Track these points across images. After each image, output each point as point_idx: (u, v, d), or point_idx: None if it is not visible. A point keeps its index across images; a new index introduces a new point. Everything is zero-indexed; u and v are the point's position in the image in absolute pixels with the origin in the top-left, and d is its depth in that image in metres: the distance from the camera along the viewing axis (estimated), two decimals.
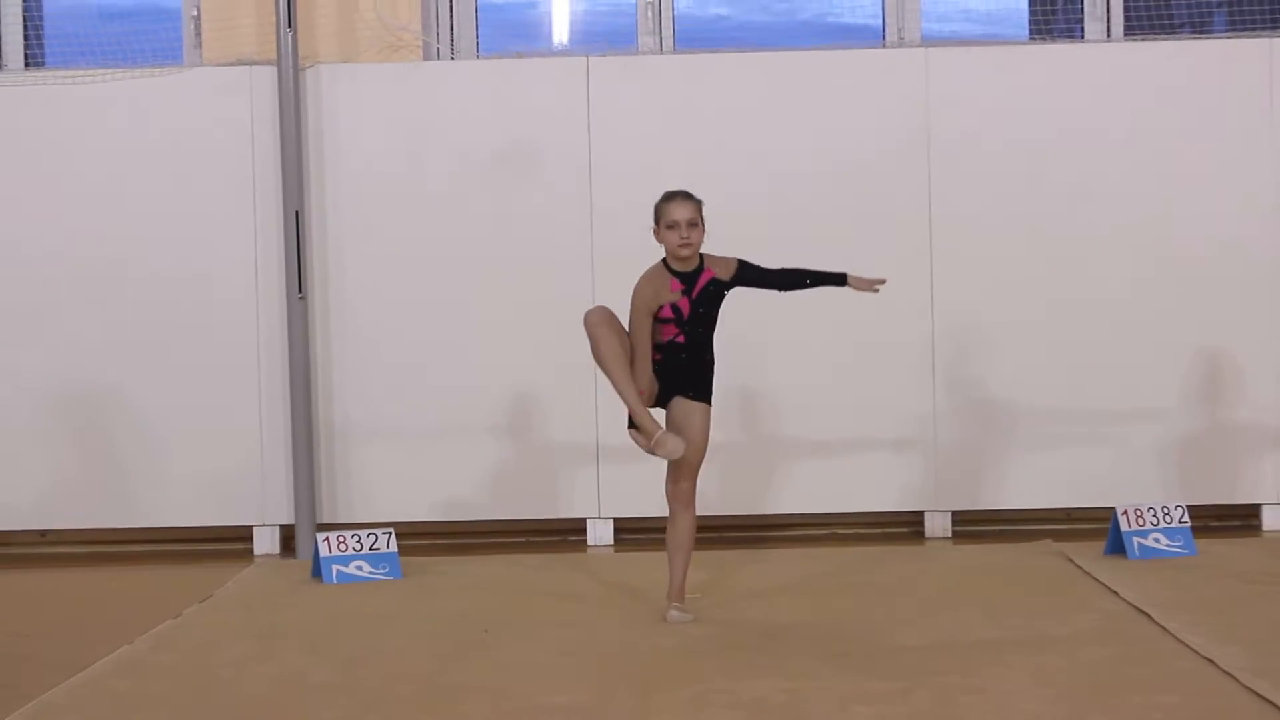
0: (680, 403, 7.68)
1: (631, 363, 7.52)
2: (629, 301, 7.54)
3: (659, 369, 7.62)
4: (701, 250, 7.63)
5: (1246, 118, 10.21)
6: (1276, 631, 7.13)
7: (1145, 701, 5.99)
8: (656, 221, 7.63)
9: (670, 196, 7.66)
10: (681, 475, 7.69)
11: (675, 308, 7.57)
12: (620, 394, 7.49)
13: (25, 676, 6.86)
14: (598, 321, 7.45)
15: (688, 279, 7.59)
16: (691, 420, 7.64)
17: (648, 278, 7.62)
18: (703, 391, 7.71)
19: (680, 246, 7.53)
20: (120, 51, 10.59)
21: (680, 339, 7.61)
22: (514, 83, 10.38)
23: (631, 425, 7.56)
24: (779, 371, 10.22)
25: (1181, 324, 10.20)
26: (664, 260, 7.63)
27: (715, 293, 7.66)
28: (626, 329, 7.56)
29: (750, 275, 7.73)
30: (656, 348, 7.61)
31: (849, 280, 7.85)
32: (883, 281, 7.87)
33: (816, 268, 7.87)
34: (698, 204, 7.61)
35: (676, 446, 7.42)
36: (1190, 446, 10.26)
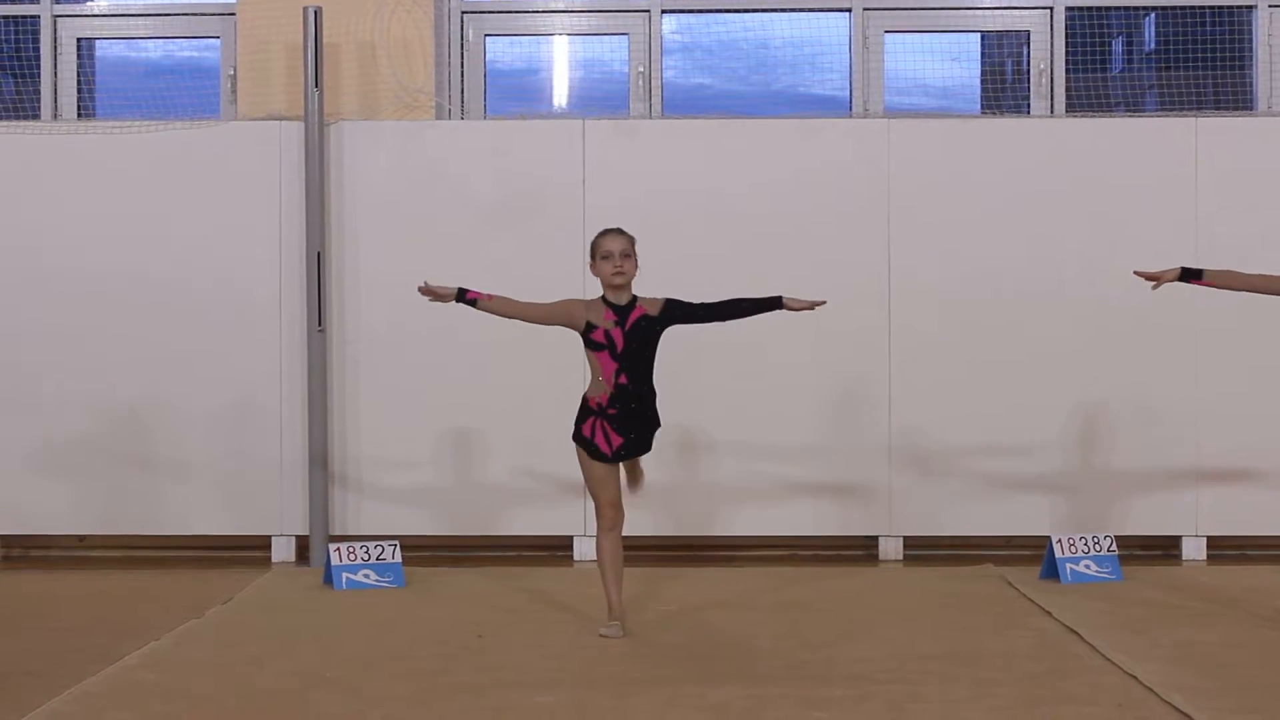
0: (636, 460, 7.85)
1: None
2: None
3: (617, 423, 7.53)
4: (635, 292, 7.56)
5: (1173, 189, 10.24)
6: (1192, 650, 7.14)
7: (1075, 713, 6.00)
8: (592, 257, 7.58)
9: (605, 232, 7.60)
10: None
11: (608, 335, 7.45)
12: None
13: (63, 667, 6.84)
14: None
15: (620, 311, 7.49)
16: (638, 465, 7.89)
17: (584, 300, 7.64)
18: (651, 439, 7.76)
19: (614, 275, 7.45)
20: (164, 105, 10.63)
21: (624, 380, 7.48)
22: (517, 141, 10.40)
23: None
24: (749, 408, 10.21)
25: (1114, 371, 10.22)
26: (601, 295, 7.58)
27: (648, 329, 7.51)
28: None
29: (679, 312, 7.58)
30: (611, 399, 7.50)
31: (785, 302, 7.65)
32: (821, 303, 7.72)
33: (751, 295, 7.76)
34: (630, 239, 7.55)
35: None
36: (1119, 483, 10.27)
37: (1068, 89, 10.92)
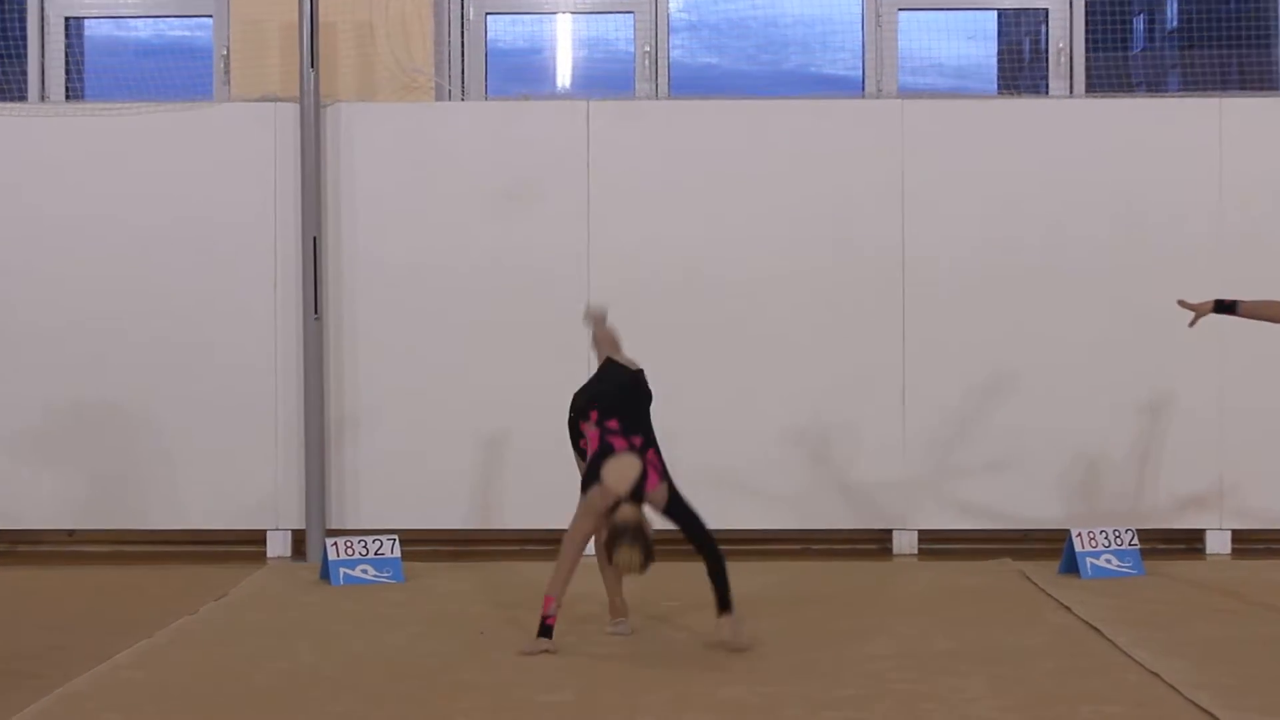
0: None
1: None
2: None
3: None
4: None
5: (1197, 172, 10.24)
6: (1217, 647, 7.15)
7: (1094, 712, 6.02)
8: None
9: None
10: None
11: None
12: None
13: (52, 666, 6.86)
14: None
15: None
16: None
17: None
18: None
19: None
20: (155, 86, 10.63)
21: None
22: (519, 123, 10.40)
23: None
24: (760, 398, 10.23)
25: (1134, 361, 10.22)
26: None
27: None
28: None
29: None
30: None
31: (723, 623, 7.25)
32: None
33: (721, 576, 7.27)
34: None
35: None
36: (1140, 474, 10.27)
37: (1087, 68, 10.90)
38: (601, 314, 8.18)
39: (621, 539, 7.05)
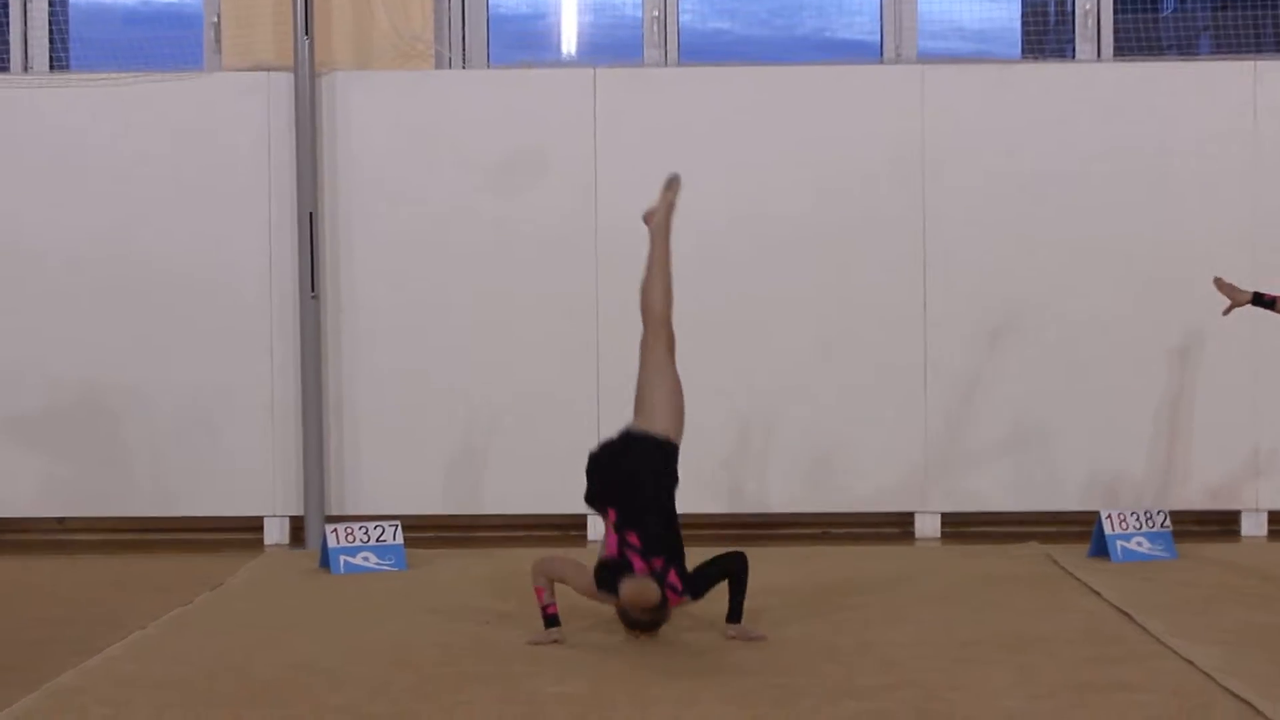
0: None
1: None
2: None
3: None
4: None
5: (1230, 138, 10.18)
6: (1252, 633, 7.11)
7: (1126, 700, 5.97)
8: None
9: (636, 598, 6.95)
10: None
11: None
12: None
13: (41, 659, 6.83)
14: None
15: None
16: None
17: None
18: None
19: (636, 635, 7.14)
20: (142, 56, 10.58)
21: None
22: (522, 92, 10.36)
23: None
24: (779, 377, 10.19)
25: (1165, 336, 10.19)
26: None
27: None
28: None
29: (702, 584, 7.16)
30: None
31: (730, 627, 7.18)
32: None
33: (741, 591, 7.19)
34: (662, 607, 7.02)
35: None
36: (1173, 455, 10.23)
37: (1115, 31, 10.82)
38: None
39: (634, 627, 7.12)
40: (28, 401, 10.31)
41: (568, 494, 10.00)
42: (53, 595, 8.60)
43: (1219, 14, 11.08)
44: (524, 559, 9.32)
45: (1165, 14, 11.44)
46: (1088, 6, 10.82)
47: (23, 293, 10.30)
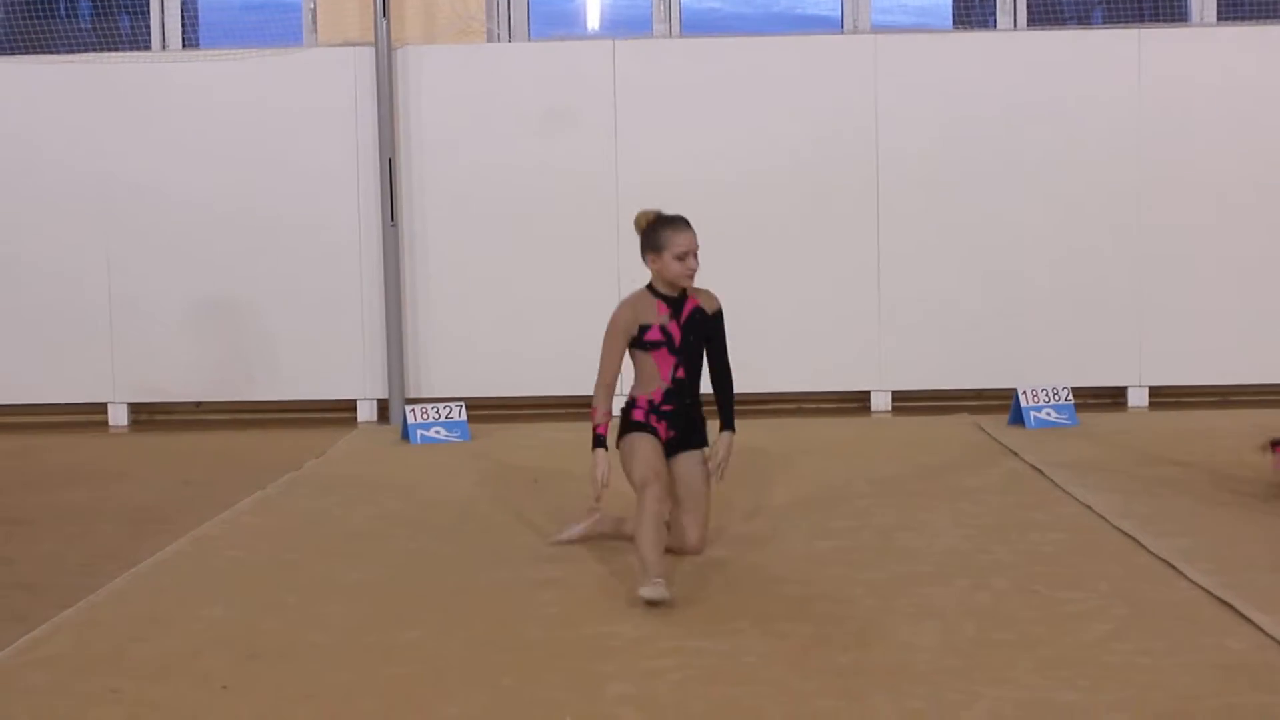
0: (689, 458, 5.87)
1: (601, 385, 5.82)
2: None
3: (670, 419, 5.83)
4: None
5: (1119, 99, 10.06)
6: (1137, 484, 7.08)
7: (1039, 538, 5.96)
8: (656, 248, 5.67)
9: (675, 223, 5.66)
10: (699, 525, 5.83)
11: (665, 330, 5.73)
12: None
13: (185, 513, 6.85)
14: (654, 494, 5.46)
15: (674, 303, 5.75)
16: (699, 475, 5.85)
17: (629, 303, 5.79)
18: (703, 435, 5.97)
19: (685, 276, 5.68)
20: (255, 35, 10.51)
21: (681, 374, 5.79)
22: (556, 60, 10.23)
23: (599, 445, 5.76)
24: (766, 285, 10.13)
25: (1072, 244, 10.12)
26: (649, 285, 5.80)
27: (701, 322, 5.79)
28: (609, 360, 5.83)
29: (715, 333, 5.87)
30: (666, 395, 5.79)
31: (721, 436, 5.85)
32: (719, 477, 5.85)
33: (732, 400, 5.93)
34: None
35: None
36: (1074, 339, 10.18)
37: (1029, 5, 10.65)
38: None
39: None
40: (172, 314, 10.27)
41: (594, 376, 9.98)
42: (194, 463, 8.61)
43: None
44: (561, 430, 9.37)
45: None
46: None
47: (171, 231, 10.24)
